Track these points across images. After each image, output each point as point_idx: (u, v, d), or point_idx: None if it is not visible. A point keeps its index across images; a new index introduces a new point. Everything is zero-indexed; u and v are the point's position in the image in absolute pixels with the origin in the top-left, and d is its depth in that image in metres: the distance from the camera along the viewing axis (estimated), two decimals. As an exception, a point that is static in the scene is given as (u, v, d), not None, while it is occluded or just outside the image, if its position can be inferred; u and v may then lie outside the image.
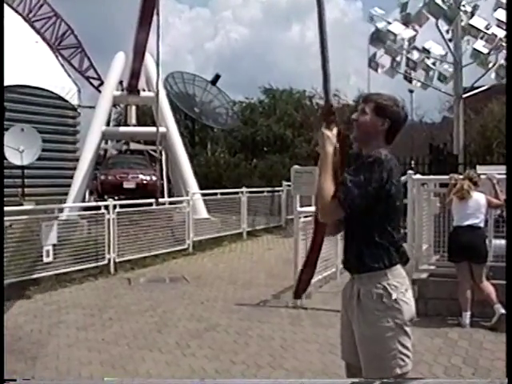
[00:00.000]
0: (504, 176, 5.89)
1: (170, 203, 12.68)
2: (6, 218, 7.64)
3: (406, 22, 15.11)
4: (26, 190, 16.06)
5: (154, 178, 14.09)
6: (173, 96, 21.58)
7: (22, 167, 15.81)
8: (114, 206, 9.49)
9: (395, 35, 15.01)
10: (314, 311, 6.50)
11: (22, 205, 12.22)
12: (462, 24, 14.80)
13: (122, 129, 17.19)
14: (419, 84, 16.20)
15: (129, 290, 8.10)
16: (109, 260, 9.23)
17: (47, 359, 5.13)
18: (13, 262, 7.90)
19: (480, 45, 14.38)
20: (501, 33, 13.72)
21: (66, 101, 23.36)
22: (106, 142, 16.97)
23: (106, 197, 14.03)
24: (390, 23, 15.31)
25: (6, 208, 8.10)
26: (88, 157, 14.12)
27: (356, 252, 2.74)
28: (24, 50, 21.50)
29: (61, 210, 10.29)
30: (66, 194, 13.64)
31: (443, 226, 6.92)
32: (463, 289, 5.97)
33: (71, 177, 14.22)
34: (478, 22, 14.53)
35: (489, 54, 14.38)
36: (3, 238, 7.27)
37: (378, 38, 15.32)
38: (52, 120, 22.22)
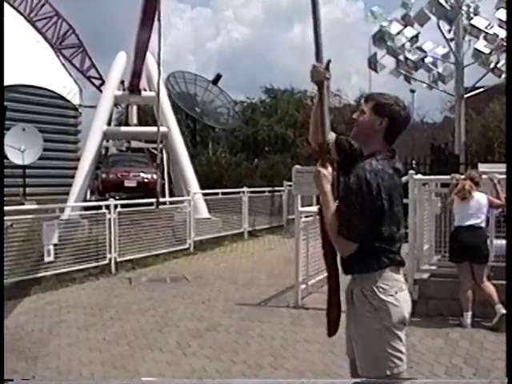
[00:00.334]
0: (505, 176, 5.88)
1: (171, 203, 12.68)
2: (7, 218, 7.65)
3: (408, 21, 15.09)
4: (27, 189, 16.07)
5: (155, 177, 14.07)
6: (174, 96, 21.60)
7: (24, 167, 15.83)
8: (115, 206, 9.50)
9: (397, 34, 14.98)
10: (315, 311, 6.48)
11: (23, 204, 12.25)
12: (464, 24, 14.79)
13: (124, 128, 17.15)
14: (422, 84, 16.16)
15: (130, 289, 8.10)
16: (110, 259, 9.24)
17: (48, 359, 5.14)
18: (14, 262, 7.91)
19: (481, 45, 14.36)
20: (502, 33, 13.70)
21: (68, 100, 23.37)
22: (108, 141, 16.94)
23: (107, 195, 14.06)
24: (391, 22, 15.29)
25: (6, 207, 8.12)
26: (89, 156, 14.09)
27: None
28: (25, 50, 21.45)
29: (62, 210, 10.29)
30: (67, 193, 13.65)
31: (444, 226, 6.93)
32: (464, 289, 5.96)
33: (72, 176, 14.20)
34: (479, 21, 14.52)
35: (490, 53, 14.36)
36: (3, 237, 7.27)
37: (381, 38, 15.28)
38: (53, 120, 22.27)
